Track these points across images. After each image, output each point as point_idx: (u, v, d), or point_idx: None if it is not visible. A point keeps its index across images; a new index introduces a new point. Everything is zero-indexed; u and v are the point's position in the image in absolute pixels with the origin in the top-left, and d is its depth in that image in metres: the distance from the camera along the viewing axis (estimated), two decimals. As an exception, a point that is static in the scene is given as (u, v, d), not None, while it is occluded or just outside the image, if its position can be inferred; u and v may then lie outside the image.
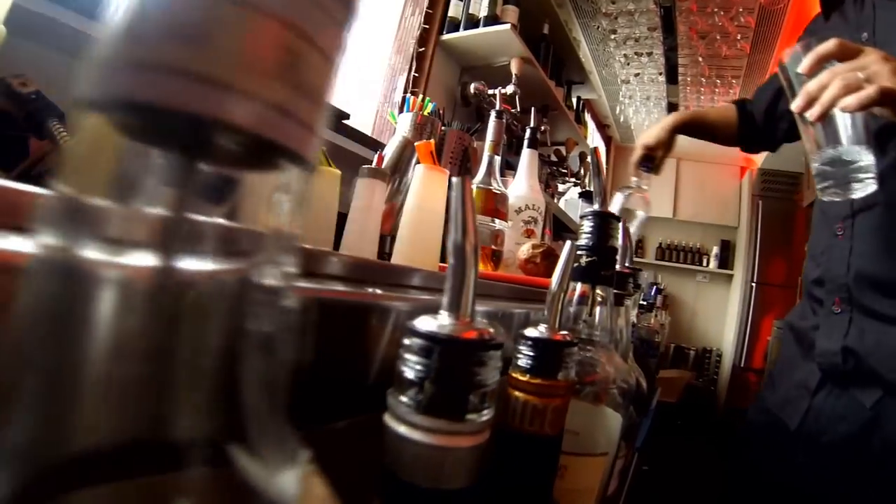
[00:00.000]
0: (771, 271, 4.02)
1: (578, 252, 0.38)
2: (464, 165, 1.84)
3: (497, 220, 0.99)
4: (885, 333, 0.77)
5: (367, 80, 2.02)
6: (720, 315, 4.50)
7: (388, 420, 0.21)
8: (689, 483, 2.72)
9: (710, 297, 4.61)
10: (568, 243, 0.29)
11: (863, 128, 0.66)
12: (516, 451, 0.27)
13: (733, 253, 4.52)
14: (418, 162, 0.72)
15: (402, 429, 0.20)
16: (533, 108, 1.31)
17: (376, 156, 0.83)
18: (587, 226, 0.38)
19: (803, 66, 0.67)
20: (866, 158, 0.66)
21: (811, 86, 0.65)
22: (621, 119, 4.04)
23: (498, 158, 1.02)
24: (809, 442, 0.85)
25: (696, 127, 1.19)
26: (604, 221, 0.37)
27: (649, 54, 2.88)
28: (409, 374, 0.20)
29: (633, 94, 3.56)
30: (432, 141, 0.73)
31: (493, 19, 2.07)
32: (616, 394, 0.38)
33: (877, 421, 0.76)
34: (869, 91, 0.60)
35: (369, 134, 1.77)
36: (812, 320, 0.92)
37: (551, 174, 2.76)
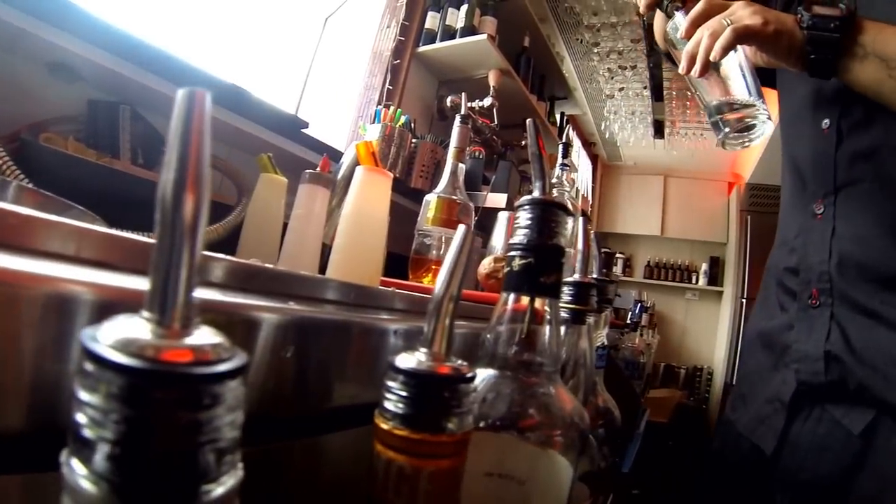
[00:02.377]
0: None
1: (511, 253, 0.28)
2: (435, 179, 1.76)
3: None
4: (875, 334, 0.62)
5: (343, 93, 1.96)
6: (710, 333, 4.41)
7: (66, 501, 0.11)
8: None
9: (700, 314, 4.53)
10: (461, 227, 0.20)
11: (742, 74, 0.67)
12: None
13: (722, 269, 4.45)
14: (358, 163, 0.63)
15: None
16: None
17: (321, 160, 0.74)
18: (523, 218, 0.28)
19: (680, 31, 0.68)
20: (756, 102, 0.67)
21: (689, 46, 0.67)
22: (607, 135, 4.00)
23: (462, 166, 0.94)
24: (787, 478, 0.69)
25: None
26: (545, 212, 0.28)
27: (633, 67, 2.84)
28: (84, 427, 0.11)
29: (619, 110, 3.51)
30: (373, 141, 0.64)
31: (470, 30, 2.02)
32: (564, 440, 0.28)
33: (869, 452, 0.61)
34: (726, 33, 0.62)
35: (342, 148, 1.69)
36: (782, 318, 0.77)
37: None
